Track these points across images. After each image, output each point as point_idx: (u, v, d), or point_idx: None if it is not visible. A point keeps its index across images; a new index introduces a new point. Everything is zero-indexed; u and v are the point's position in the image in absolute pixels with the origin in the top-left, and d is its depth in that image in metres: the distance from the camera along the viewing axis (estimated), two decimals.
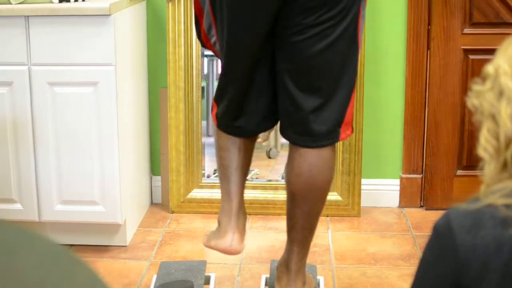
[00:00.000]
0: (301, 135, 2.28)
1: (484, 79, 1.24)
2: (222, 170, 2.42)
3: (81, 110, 2.91)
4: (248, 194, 3.41)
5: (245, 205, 3.27)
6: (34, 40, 2.88)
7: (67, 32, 2.87)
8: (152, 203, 3.59)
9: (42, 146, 2.95)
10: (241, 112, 2.33)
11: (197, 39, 2.55)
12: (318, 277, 2.67)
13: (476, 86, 1.24)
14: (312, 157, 2.30)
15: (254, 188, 3.44)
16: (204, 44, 2.47)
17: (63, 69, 2.90)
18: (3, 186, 2.98)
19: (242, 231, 2.39)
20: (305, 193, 2.31)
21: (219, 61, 2.62)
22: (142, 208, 3.45)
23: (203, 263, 2.70)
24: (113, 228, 3.07)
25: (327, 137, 2.29)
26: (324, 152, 2.29)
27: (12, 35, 2.88)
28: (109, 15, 2.83)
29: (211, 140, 3.75)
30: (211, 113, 2.42)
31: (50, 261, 0.99)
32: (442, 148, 3.40)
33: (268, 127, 2.42)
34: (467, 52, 3.31)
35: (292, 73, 2.24)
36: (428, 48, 3.33)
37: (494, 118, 1.20)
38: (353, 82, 2.29)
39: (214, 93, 2.42)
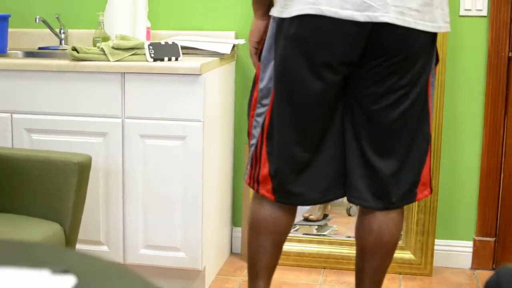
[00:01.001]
0: (380, 199, 2.41)
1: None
2: (251, 264, 2.58)
3: (170, 162, 3.09)
4: (324, 248, 3.54)
5: (321, 259, 3.41)
6: (129, 94, 3.09)
7: (159, 88, 3.06)
8: (231, 253, 3.74)
9: (131, 194, 3.14)
10: (305, 179, 2.45)
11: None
12: None
13: None
14: (382, 215, 2.43)
15: (330, 243, 3.56)
16: (248, 111, 2.55)
17: (154, 122, 3.08)
18: (93, 229, 3.17)
19: None
20: (374, 248, 2.43)
21: None
22: (222, 257, 3.60)
23: None
24: (193, 274, 3.22)
25: (405, 199, 2.42)
26: (393, 211, 2.42)
27: (109, 89, 3.09)
28: (199, 74, 3.01)
29: None
30: (259, 188, 2.49)
31: None
32: None
33: (334, 197, 2.52)
34: None
35: (369, 139, 2.37)
36: (506, 113, 3.41)
37: None
38: (426, 144, 2.42)
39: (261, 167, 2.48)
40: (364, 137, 2.37)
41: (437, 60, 2.42)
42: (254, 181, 2.49)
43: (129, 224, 3.16)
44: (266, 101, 2.43)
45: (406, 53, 2.25)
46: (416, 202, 3.35)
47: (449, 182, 3.49)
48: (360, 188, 2.42)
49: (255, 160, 2.48)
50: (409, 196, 2.43)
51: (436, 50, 2.39)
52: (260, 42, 2.52)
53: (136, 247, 3.17)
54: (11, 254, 1.28)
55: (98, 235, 3.19)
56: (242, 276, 3.46)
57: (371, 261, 2.48)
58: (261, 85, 2.44)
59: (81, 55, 3.07)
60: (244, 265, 3.57)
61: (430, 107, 2.39)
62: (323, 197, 2.48)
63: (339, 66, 2.26)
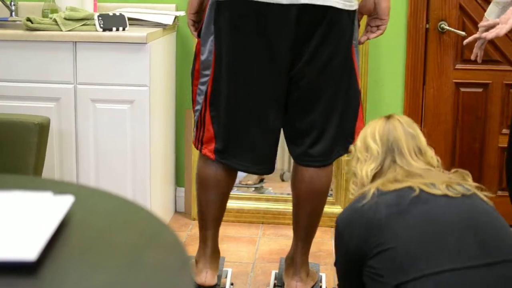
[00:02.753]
0: (321, 156, 2.73)
1: (350, 151, 2.24)
2: (201, 220, 2.86)
3: (119, 125, 3.34)
4: (261, 205, 3.84)
5: (260, 214, 3.71)
6: (80, 62, 3.31)
7: (108, 56, 3.30)
8: (176, 211, 4.02)
9: (84, 155, 3.37)
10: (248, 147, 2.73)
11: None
12: (321, 273, 3.08)
13: (346, 157, 2.14)
14: (313, 169, 2.75)
15: (267, 200, 3.87)
16: (192, 80, 2.82)
17: (104, 88, 3.32)
18: None
19: (214, 269, 2.88)
20: (306, 196, 2.75)
21: None
22: (168, 215, 3.88)
23: (222, 259, 3.12)
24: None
25: (342, 150, 2.75)
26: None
27: (62, 57, 3.31)
28: (145, 43, 3.26)
29: None
30: (203, 148, 2.77)
31: (116, 208, 1.42)
32: None
33: (263, 171, 2.86)
34: (458, 85, 3.74)
35: (301, 101, 2.68)
36: (424, 81, 3.76)
37: (355, 174, 2.15)
38: (357, 97, 2.75)
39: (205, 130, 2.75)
40: (296, 100, 2.66)
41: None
42: (199, 142, 2.77)
43: (82, 183, 3.40)
44: (207, 72, 2.70)
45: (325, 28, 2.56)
46: (343, 158, 3.65)
47: None
48: (313, 150, 2.72)
49: (200, 124, 2.75)
50: (346, 147, 2.69)
51: (358, 19, 2.71)
52: (196, 14, 2.79)
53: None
54: (10, 184, 1.53)
55: None
56: (187, 231, 3.74)
57: (304, 208, 2.79)
58: (202, 57, 2.70)
59: (35, 25, 3.29)
60: (189, 222, 3.86)
61: (355, 65, 2.71)
62: (254, 168, 2.79)
63: (274, 47, 2.57)
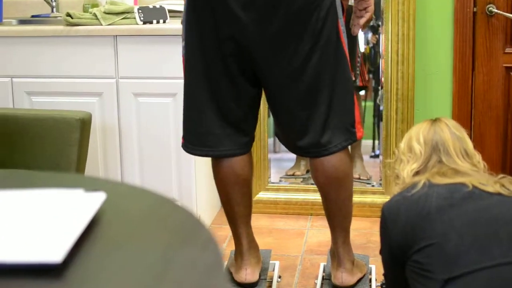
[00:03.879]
0: (324, 146, 2.61)
1: (393, 153, 2.19)
2: (228, 215, 2.82)
3: (162, 118, 3.31)
4: (310, 196, 3.78)
5: (308, 206, 3.65)
6: (121, 56, 3.29)
7: (149, 49, 3.27)
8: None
9: (127, 149, 3.36)
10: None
11: None
12: (370, 265, 3.01)
13: (388, 160, 2.21)
14: (317, 159, 2.66)
15: (315, 190, 3.79)
16: None
17: (146, 81, 3.30)
18: None
19: (254, 265, 2.82)
20: (325, 185, 2.68)
21: None
22: (214, 208, 3.83)
23: (269, 251, 3.07)
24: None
25: (346, 140, 2.63)
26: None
27: (103, 52, 3.30)
28: None
29: (277, 155, 4.12)
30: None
31: (152, 205, 1.38)
32: (487, 157, 3.69)
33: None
34: (508, 69, 3.63)
35: (291, 96, 2.58)
36: (473, 66, 3.65)
37: (397, 176, 2.14)
38: (351, 85, 2.63)
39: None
40: (286, 95, 2.57)
41: (343, 10, 2.59)
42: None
43: (126, 177, 3.38)
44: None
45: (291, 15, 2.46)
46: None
47: None
48: (300, 143, 2.62)
49: None
50: (349, 137, 2.63)
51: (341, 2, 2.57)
52: None
53: None
54: (44, 182, 1.49)
55: None
56: None
57: (327, 197, 2.72)
58: (183, 44, 2.68)
59: (75, 20, 3.27)
60: None
61: (345, 51, 2.58)
62: (215, 150, 2.69)
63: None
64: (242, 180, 2.73)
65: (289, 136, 2.67)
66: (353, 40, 3.59)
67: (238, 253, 2.84)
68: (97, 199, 1.31)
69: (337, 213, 2.74)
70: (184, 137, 2.72)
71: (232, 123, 2.63)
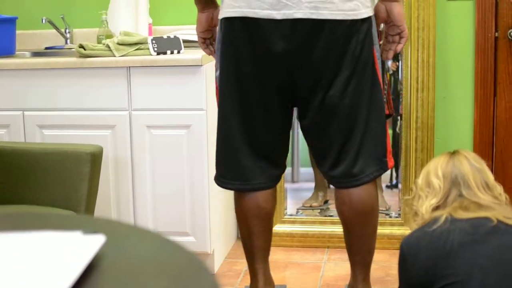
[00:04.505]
0: (354, 176, 2.56)
1: (411, 190, 2.14)
2: (246, 250, 2.76)
3: (176, 151, 3.24)
4: (327, 228, 3.69)
5: (325, 238, 3.56)
6: (135, 88, 3.24)
7: (163, 80, 3.21)
8: (238, 237, 3.89)
9: (140, 182, 3.29)
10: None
11: None
12: None
13: (406, 196, 2.09)
14: (346, 190, 2.59)
15: (332, 223, 3.71)
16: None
17: (160, 113, 3.24)
18: (104, 213, 3.31)
19: None
20: (350, 219, 2.60)
21: None
22: (229, 241, 3.76)
23: (284, 287, 2.98)
24: (203, 257, 3.38)
25: (377, 170, 2.58)
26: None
27: (116, 83, 3.24)
28: (201, 65, 3.16)
29: (295, 185, 4.05)
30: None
31: (153, 249, 1.30)
32: (509, 186, 3.60)
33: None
34: None
35: (321, 125, 2.56)
36: (495, 93, 3.56)
37: (416, 213, 2.07)
38: (384, 115, 2.60)
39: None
40: (324, 123, 2.53)
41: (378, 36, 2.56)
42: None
43: (139, 211, 3.31)
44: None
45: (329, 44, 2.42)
46: (411, 181, 3.50)
47: None
48: (334, 172, 2.58)
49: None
50: (381, 167, 2.59)
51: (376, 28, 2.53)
52: (206, 32, 2.75)
53: None
54: (41, 223, 1.43)
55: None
56: None
57: (351, 231, 2.64)
58: (216, 74, 2.65)
59: (88, 51, 3.22)
60: None
61: (379, 79, 2.54)
62: (245, 185, 2.67)
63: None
64: (264, 214, 2.68)
65: (322, 165, 2.61)
66: (383, 66, 3.54)
67: None
68: (95, 242, 1.24)
69: (360, 248, 2.66)
70: (216, 170, 2.70)
71: (264, 155, 2.60)
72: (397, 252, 3.53)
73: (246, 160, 2.59)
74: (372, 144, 2.54)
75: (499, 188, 2.05)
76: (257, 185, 2.63)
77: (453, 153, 2.11)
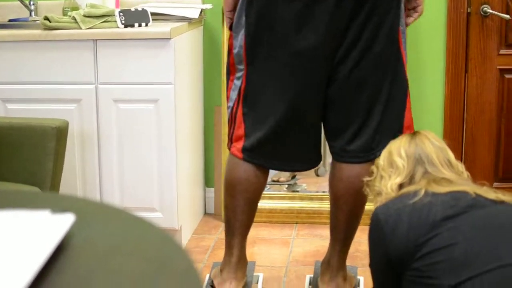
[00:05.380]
0: (365, 151, 2.54)
1: (371, 172, 2.15)
2: (228, 227, 2.69)
3: (143, 125, 3.18)
4: (296, 204, 3.66)
5: (293, 214, 3.53)
6: (101, 61, 3.16)
7: (131, 54, 3.14)
8: (205, 213, 3.85)
9: (106, 157, 3.23)
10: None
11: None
12: (359, 277, 2.89)
13: (366, 179, 2.16)
14: (352, 166, 2.55)
15: (301, 198, 3.68)
16: (227, 76, 2.66)
17: (127, 87, 3.17)
18: (71, 193, 3.25)
19: (240, 279, 2.69)
20: (345, 196, 2.56)
21: None
22: (197, 217, 3.71)
23: (252, 263, 2.94)
24: (170, 233, 3.32)
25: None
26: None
27: (82, 56, 3.16)
28: (169, 38, 3.10)
29: None
30: (231, 147, 2.62)
31: (125, 228, 1.25)
32: (479, 161, 3.60)
33: (298, 169, 2.76)
34: (503, 71, 3.52)
35: (344, 98, 2.52)
36: (466, 69, 3.54)
37: (379, 193, 2.06)
38: (406, 86, 2.59)
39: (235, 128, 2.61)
40: (335, 91, 2.49)
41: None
42: (229, 140, 2.61)
43: (105, 187, 3.25)
44: (241, 66, 2.54)
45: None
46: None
47: None
48: (352, 146, 2.55)
49: (231, 121, 2.60)
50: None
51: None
52: (233, 11, 2.58)
53: None
54: (6, 201, 1.37)
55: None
56: (217, 234, 3.57)
57: (343, 209, 2.60)
58: (235, 51, 2.55)
59: (53, 24, 3.13)
60: (219, 224, 3.69)
61: (402, 52, 2.52)
62: (288, 167, 2.71)
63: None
64: (255, 189, 2.62)
65: (338, 139, 2.56)
66: None
67: (227, 264, 2.70)
68: (64, 222, 1.19)
69: (346, 227, 2.63)
70: (249, 144, 2.58)
71: (314, 135, 2.62)
72: (366, 228, 3.52)
73: (299, 146, 2.61)
74: (390, 118, 2.53)
75: (460, 166, 2.08)
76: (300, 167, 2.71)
77: (414, 134, 2.13)
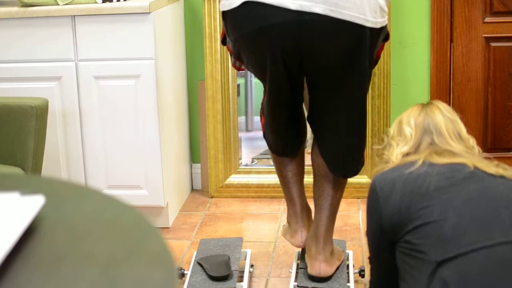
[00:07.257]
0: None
1: (382, 139, 2.15)
2: (282, 179, 2.75)
3: (125, 101, 3.13)
4: None
5: (277, 188, 3.50)
6: (80, 37, 3.10)
7: (110, 29, 3.09)
8: (192, 189, 3.81)
9: (89, 136, 3.17)
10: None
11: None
12: (347, 251, 2.86)
13: (376, 146, 2.18)
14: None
15: None
16: (233, 65, 2.69)
17: (107, 63, 3.11)
18: (55, 173, 3.19)
19: (308, 226, 2.73)
20: (325, 171, 2.54)
21: None
22: (184, 193, 3.67)
23: (240, 239, 2.91)
24: (156, 211, 3.29)
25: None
26: None
27: (60, 33, 3.10)
28: (149, 13, 3.04)
29: (249, 134, 3.98)
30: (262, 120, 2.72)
31: (97, 209, 1.21)
32: (467, 131, 3.56)
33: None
34: (488, 40, 3.47)
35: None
36: (452, 38, 3.49)
37: (387, 162, 2.02)
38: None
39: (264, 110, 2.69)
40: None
41: (387, 38, 2.49)
42: (262, 113, 2.74)
43: (89, 166, 3.21)
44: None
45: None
46: (369, 128, 3.44)
47: (399, 106, 3.56)
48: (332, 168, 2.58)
49: (262, 110, 2.71)
50: (362, 163, 2.66)
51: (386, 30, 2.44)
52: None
53: (98, 187, 3.22)
54: None
55: (59, 174, 3.22)
56: (204, 210, 3.53)
57: (324, 184, 2.57)
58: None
59: (30, 0, 3.07)
60: (206, 200, 3.65)
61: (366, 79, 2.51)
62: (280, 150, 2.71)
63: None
64: (295, 164, 2.73)
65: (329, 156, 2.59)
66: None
67: (292, 215, 2.76)
68: (34, 204, 1.14)
69: (331, 194, 2.59)
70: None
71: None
72: (355, 200, 3.51)
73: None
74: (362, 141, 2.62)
75: (471, 141, 2.04)
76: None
77: (426, 104, 2.10)
